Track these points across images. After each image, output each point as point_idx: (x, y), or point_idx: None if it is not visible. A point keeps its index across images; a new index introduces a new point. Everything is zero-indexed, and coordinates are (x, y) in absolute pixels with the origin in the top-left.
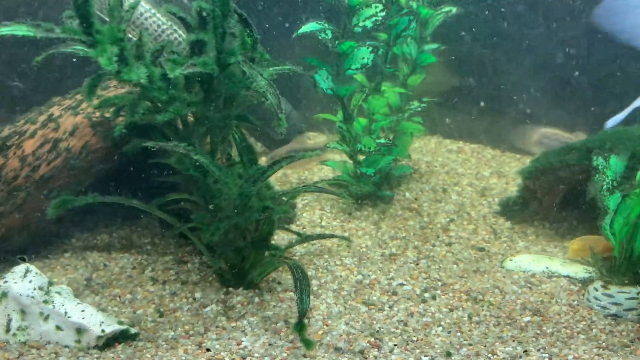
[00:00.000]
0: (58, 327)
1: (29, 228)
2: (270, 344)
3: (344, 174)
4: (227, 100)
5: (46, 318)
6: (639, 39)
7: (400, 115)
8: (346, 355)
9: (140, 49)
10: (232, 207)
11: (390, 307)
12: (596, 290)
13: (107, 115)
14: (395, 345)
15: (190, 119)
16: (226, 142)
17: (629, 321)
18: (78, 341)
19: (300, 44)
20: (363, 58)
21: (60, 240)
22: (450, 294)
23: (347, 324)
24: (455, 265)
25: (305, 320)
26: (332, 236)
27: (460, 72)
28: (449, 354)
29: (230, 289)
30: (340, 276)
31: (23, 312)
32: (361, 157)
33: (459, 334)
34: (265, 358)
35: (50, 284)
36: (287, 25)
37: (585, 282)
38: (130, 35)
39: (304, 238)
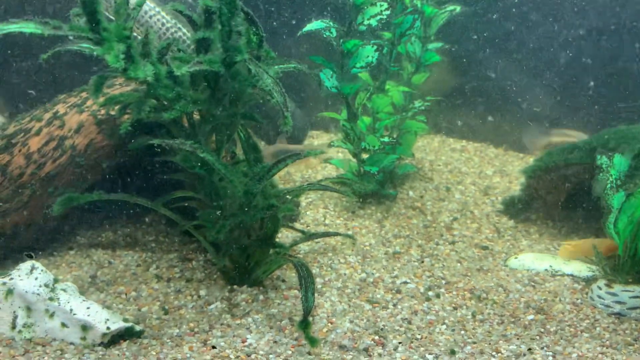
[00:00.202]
0: (63, 324)
1: (35, 225)
2: (275, 342)
3: (347, 172)
4: (233, 98)
5: (52, 315)
6: None
7: (404, 114)
8: (351, 352)
9: (146, 47)
10: (237, 205)
11: (394, 305)
12: (600, 288)
13: (113, 113)
14: (399, 343)
15: (196, 117)
16: (231, 140)
17: (632, 319)
18: (83, 338)
19: (309, 42)
20: (368, 56)
21: (65, 237)
22: (454, 292)
23: (351, 321)
24: (459, 264)
25: (310, 318)
26: (336, 234)
27: (464, 72)
28: (453, 352)
29: (235, 286)
30: (345, 274)
31: (29, 309)
32: (365, 156)
33: (462, 332)
34: (270, 355)
35: (56, 281)
36: (294, 23)
37: (588, 281)
38: (135, 34)
39: (308, 236)
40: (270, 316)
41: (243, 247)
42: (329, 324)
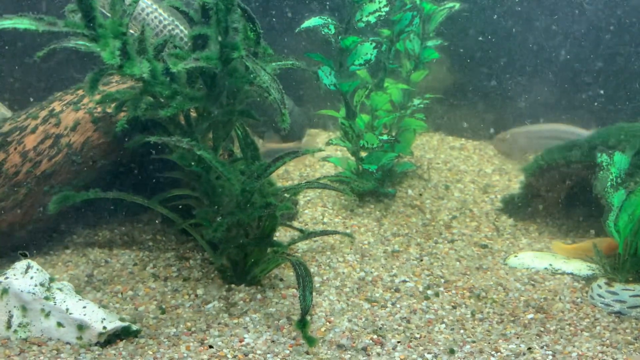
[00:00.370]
0: (59, 324)
1: (30, 224)
2: (272, 341)
3: (346, 170)
4: (230, 95)
5: (47, 314)
6: None
7: (403, 112)
8: (349, 352)
9: (142, 44)
10: (235, 204)
11: (393, 304)
12: (600, 287)
13: (109, 110)
14: (398, 342)
15: (193, 114)
16: (229, 137)
17: (632, 318)
18: (79, 338)
19: (308, 39)
20: (366, 54)
21: (61, 236)
22: (453, 291)
23: (349, 320)
24: (458, 263)
25: (308, 317)
26: (334, 233)
27: (463, 69)
28: (452, 351)
29: (233, 285)
30: (343, 273)
31: (24, 308)
32: (364, 154)
33: (462, 331)
34: (268, 355)
35: (52, 280)
36: (292, 19)
37: (588, 280)
38: (131, 31)
39: (306, 235)
40: (268, 315)
41: (240, 246)
42: (327, 323)
